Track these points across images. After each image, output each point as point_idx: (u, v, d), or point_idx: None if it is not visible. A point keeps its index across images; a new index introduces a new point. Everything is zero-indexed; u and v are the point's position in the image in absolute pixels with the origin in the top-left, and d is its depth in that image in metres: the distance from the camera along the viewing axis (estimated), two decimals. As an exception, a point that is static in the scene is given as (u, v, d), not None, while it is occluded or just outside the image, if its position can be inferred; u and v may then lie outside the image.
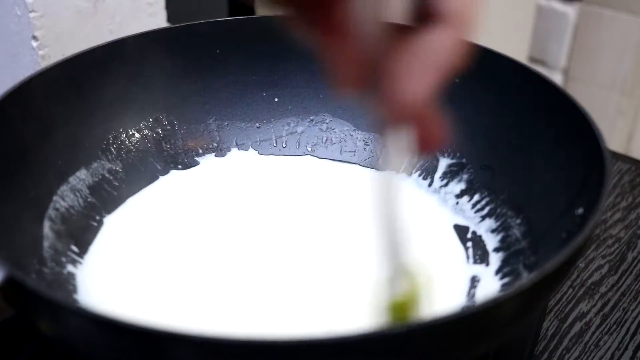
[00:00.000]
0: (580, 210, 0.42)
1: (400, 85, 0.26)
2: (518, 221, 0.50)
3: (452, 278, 0.49)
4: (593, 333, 0.52)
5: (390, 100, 0.26)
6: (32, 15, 0.62)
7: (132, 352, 0.33)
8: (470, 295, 0.48)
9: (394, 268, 0.30)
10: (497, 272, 0.49)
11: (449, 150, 0.58)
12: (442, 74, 0.26)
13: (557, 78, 1.44)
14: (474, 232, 0.53)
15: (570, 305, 0.55)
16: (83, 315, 0.33)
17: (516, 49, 1.35)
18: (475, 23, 0.26)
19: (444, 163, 0.58)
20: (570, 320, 0.53)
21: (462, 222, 0.54)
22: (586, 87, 1.42)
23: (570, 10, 1.38)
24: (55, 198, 0.50)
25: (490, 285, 0.48)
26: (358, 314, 0.46)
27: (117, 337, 0.32)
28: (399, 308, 0.31)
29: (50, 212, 0.49)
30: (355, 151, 0.62)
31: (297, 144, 0.62)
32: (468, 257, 0.51)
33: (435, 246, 0.52)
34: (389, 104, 0.26)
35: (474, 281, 0.49)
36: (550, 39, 1.42)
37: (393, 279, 0.31)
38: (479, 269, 0.50)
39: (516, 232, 0.50)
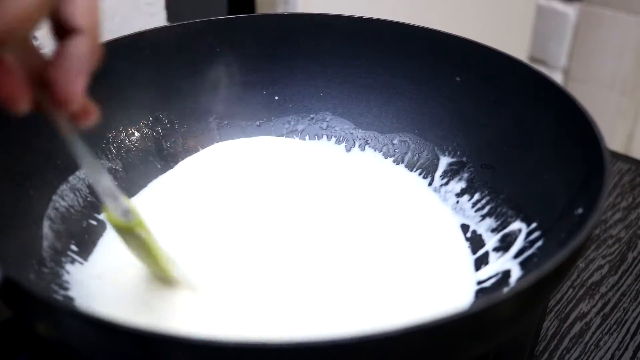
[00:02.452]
0: (579, 211, 0.42)
1: (60, 87, 0.34)
2: (518, 221, 0.50)
3: (452, 278, 0.49)
4: (593, 333, 0.52)
5: (56, 99, 0.34)
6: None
7: (129, 355, 0.33)
8: (470, 294, 0.48)
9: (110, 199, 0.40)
10: (497, 271, 0.49)
11: (450, 148, 0.58)
12: (88, 70, 0.35)
13: (557, 78, 1.44)
14: (473, 231, 0.53)
15: (571, 306, 0.55)
16: (79, 317, 0.33)
17: (516, 48, 1.35)
18: (100, 31, 0.36)
19: (444, 162, 0.58)
20: (570, 320, 0.53)
21: (462, 221, 0.54)
22: (586, 86, 1.42)
23: (571, 10, 1.38)
24: (54, 197, 0.50)
25: (489, 285, 0.48)
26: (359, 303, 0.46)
27: (113, 339, 0.32)
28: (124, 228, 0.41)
29: (50, 211, 0.49)
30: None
31: (298, 142, 0.62)
32: (468, 256, 0.51)
33: (436, 245, 0.52)
34: (55, 101, 0.35)
35: (474, 280, 0.49)
36: (551, 39, 1.42)
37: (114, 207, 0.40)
38: (479, 268, 0.50)
39: (516, 231, 0.50)
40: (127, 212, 0.41)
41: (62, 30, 0.35)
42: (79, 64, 0.34)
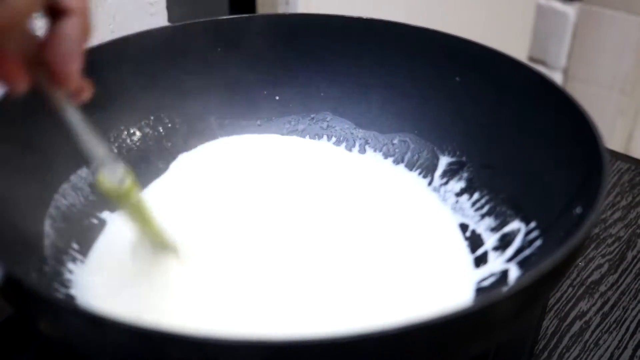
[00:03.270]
0: (578, 210, 0.42)
1: (57, 67, 0.36)
2: (517, 220, 0.50)
3: (451, 276, 0.50)
4: (593, 332, 0.52)
5: (55, 78, 0.36)
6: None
7: (131, 353, 0.33)
8: (469, 293, 0.48)
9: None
10: (496, 270, 0.49)
11: (450, 148, 0.58)
12: (82, 49, 0.36)
13: (557, 78, 1.44)
14: (473, 231, 0.53)
15: (570, 304, 0.55)
16: (80, 314, 0.33)
17: (516, 48, 1.35)
18: (91, 11, 0.37)
19: (444, 161, 0.58)
20: (570, 319, 0.53)
21: (462, 220, 0.55)
22: (586, 86, 1.42)
23: (570, 10, 1.38)
24: (56, 196, 0.50)
25: (488, 284, 0.48)
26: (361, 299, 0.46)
27: (115, 337, 0.32)
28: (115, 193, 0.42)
29: (52, 210, 0.49)
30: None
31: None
32: (467, 255, 0.51)
33: (436, 244, 0.52)
34: (53, 80, 0.36)
35: (473, 279, 0.49)
36: (550, 39, 1.42)
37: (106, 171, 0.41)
38: (478, 268, 0.50)
39: (515, 230, 0.50)
40: (123, 180, 0.42)
41: (54, 12, 0.36)
42: (73, 44, 0.36)
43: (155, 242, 0.46)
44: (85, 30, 0.37)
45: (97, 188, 0.42)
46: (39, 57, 0.36)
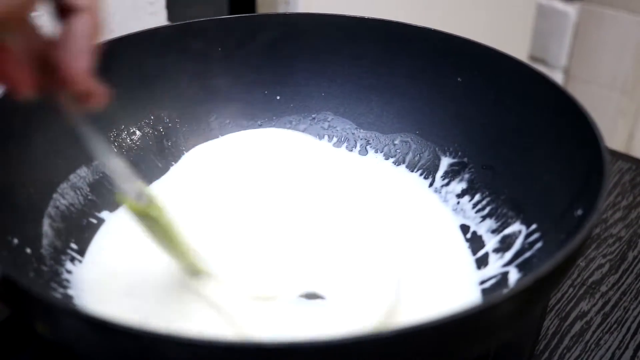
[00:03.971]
0: (579, 212, 0.42)
1: (64, 66, 0.34)
2: (518, 222, 0.50)
3: (452, 278, 0.49)
4: (594, 332, 0.52)
5: (61, 78, 0.34)
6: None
7: (126, 354, 0.33)
8: (470, 295, 0.48)
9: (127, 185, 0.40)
10: (496, 272, 0.49)
11: (451, 149, 0.58)
12: (92, 48, 0.35)
13: (557, 77, 1.44)
14: (474, 232, 0.53)
15: (571, 305, 0.55)
16: (76, 316, 0.33)
17: (517, 48, 1.35)
18: (103, 8, 0.35)
19: (445, 162, 0.58)
20: (571, 319, 0.53)
21: (463, 221, 0.55)
22: (587, 86, 1.42)
23: (571, 10, 1.38)
24: (55, 196, 0.50)
25: (489, 286, 0.48)
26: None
27: (110, 338, 0.32)
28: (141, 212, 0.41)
29: (50, 209, 0.49)
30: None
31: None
32: (468, 257, 0.51)
33: (437, 246, 0.52)
34: (60, 82, 0.34)
35: (473, 281, 0.49)
36: (551, 38, 1.42)
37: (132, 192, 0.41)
38: (479, 269, 0.50)
39: (516, 232, 0.50)
40: (141, 195, 0.41)
41: (64, 10, 0.35)
42: (82, 43, 0.34)
43: (185, 265, 0.45)
44: (96, 28, 0.35)
45: (124, 206, 0.41)
46: (47, 60, 0.34)
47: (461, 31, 0.58)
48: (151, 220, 0.42)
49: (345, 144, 0.63)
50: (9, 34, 0.33)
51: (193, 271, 0.45)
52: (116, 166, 0.40)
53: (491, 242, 0.51)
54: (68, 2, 0.35)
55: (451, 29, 0.58)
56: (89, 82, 0.35)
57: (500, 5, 1.24)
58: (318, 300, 0.46)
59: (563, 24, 1.40)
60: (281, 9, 0.85)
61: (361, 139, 0.62)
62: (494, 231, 0.52)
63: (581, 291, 0.56)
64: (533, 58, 1.45)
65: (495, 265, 0.49)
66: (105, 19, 0.36)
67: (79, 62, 0.34)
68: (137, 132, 0.58)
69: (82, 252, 0.50)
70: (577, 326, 0.53)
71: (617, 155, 0.73)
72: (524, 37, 1.38)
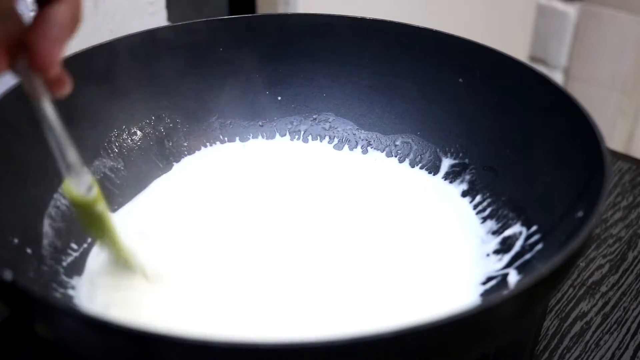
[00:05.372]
0: (580, 214, 0.42)
1: (39, 53, 0.35)
2: (518, 223, 0.50)
3: (453, 279, 0.49)
4: (594, 332, 0.52)
5: (34, 64, 0.35)
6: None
7: (125, 355, 0.33)
8: (470, 296, 0.48)
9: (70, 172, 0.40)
10: (496, 273, 0.49)
11: (452, 150, 0.58)
12: (68, 38, 0.35)
13: (557, 77, 1.44)
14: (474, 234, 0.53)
15: (571, 305, 0.55)
16: (75, 316, 0.33)
17: (517, 48, 1.35)
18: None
19: (446, 163, 0.58)
20: (571, 319, 0.53)
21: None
22: (587, 86, 1.42)
23: (571, 10, 1.38)
24: (56, 196, 0.50)
25: (489, 287, 0.48)
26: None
27: (109, 339, 0.32)
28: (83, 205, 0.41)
29: (51, 209, 0.49)
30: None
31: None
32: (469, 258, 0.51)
33: (437, 247, 0.52)
34: (32, 66, 0.35)
35: (473, 282, 0.49)
36: (551, 38, 1.42)
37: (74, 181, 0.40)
38: (479, 271, 0.50)
39: (516, 234, 0.50)
40: (90, 188, 0.41)
41: None
42: (59, 31, 0.35)
43: (120, 259, 0.46)
44: (75, 18, 0.36)
45: (64, 194, 0.41)
46: (22, 41, 0.35)
47: (461, 31, 0.58)
48: (94, 214, 0.42)
49: (346, 145, 0.62)
50: None
51: (127, 266, 0.46)
52: (71, 155, 0.39)
53: (492, 243, 0.51)
54: None
55: (451, 29, 0.58)
56: (58, 70, 0.36)
57: (500, 5, 1.24)
58: (318, 300, 0.46)
59: (563, 24, 1.40)
60: (281, 9, 0.85)
61: (362, 140, 0.62)
62: (495, 232, 0.52)
63: (581, 291, 0.56)
64: (533, 58, 1.45)
65: (496, 266, 0.49)
66: (83, 10, 0.36)
67: (53, 51, 0.35)
68: (138, 133, 0.58)
69: (81, 252, 0.50)
70: (577, 326, 0.53)
71: (617, 155, 0.73)
72: (524, 37, 1.38)
